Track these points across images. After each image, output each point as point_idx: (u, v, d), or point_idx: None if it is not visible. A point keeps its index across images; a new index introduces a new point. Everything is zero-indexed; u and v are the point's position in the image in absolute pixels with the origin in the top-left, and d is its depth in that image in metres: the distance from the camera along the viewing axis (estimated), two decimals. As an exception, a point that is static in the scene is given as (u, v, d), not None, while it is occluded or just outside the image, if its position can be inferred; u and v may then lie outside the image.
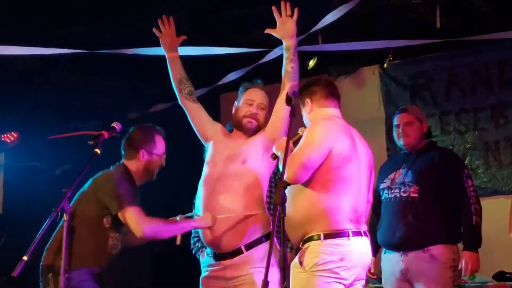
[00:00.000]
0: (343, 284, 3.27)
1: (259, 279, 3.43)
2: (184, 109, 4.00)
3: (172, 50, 4.01)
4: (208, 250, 3.79)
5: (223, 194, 3.67)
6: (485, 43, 5.74)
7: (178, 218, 3.82)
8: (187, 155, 4.07)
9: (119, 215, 3.56)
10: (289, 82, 3.74)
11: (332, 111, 3.55)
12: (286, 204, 3.33)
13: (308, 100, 3.57)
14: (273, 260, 3.36)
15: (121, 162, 3.81)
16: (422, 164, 4.34)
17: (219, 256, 3.71)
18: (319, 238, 3.27)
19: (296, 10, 3.75)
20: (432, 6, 5.14)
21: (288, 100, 3.30)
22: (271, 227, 3.64)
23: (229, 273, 3.66)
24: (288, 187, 3.39)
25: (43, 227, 3.24)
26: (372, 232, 4.15)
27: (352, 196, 3.34)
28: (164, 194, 5.96)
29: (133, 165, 3.78)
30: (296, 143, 3.40)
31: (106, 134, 3.61)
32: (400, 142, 4.47)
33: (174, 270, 6.38)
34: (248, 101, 3.88)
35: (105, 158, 3.62)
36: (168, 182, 4.63)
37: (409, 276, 4.22)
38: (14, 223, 6.31)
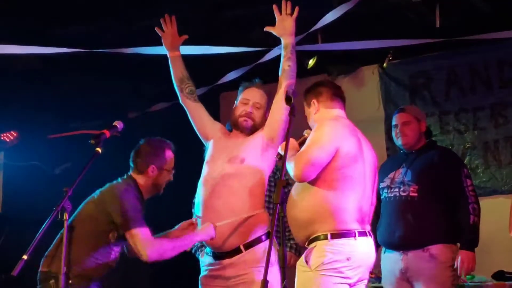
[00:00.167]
0: (347, 283, 3.28)
1: (258, 278, 3.42)
2: (185, 108, 4.01)
3: (174, 49, 4.01)
4: (208, 249, 3.80)
5: (222, 194, 3.67)
6: (485, 43, 5.73)
7: (176, 227, 3.80)
8: (187, 155, 4.06)
9: (126, 235, 3.53)
10: (285, 80, 3.73)
11: (338, 112, 3.56)
12: (292, 204, 3.34)
13: (314, 101, 3.57)
14: (272, 259, 3.36)
15: (129, 173, 3.76)
16: (422, 163, 4.34)
17: (218, 255, 3.71)
18: (326, 238, 3.27)
19: (296, 9, 3.74)
20: (432, 6, 5.13)
21: (288, 100, 3.31)
22: (271, 226, 3.64)
23: (229, 272, 3.66)
24: (293, 186, 3.40)
25: (43, 226, 3.23)
26: (372, 231, 4.15)
27: (358, 196, 3.35)
28: (164, 194, 5.95)
29: (141, 179, 3.73)
30: (301, 144, 3.41)
31: (107, 133, 3.55)
32: (398, 142, 4.47)
33: (173, 269, 6.37)
34: (244, 100, 3.88)
35: (105, 158, 3.60)
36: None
37: (409, 275, 4.22)
38: (14, 222, 6.29)
